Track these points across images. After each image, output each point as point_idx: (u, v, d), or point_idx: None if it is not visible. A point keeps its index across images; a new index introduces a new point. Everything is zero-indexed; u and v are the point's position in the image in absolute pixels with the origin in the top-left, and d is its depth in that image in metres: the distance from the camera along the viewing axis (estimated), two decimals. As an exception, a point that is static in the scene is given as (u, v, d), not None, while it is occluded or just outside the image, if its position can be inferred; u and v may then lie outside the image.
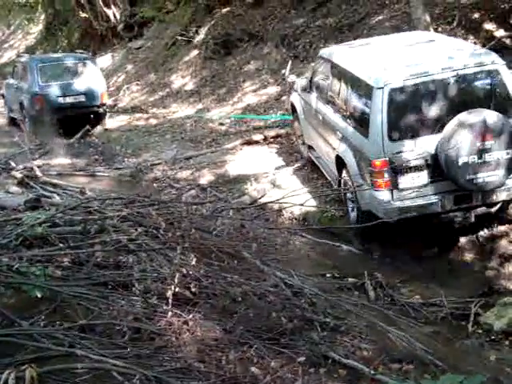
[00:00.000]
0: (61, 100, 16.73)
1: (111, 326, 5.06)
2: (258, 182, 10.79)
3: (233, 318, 5.47)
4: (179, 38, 20.94)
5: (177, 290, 5.41)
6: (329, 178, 9.58)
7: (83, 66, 17.53)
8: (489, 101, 7.61)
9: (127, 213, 6.82)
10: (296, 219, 9.28)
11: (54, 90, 16.71)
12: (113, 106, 19.80)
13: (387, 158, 7.45)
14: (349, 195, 8.56)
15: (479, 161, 7.36)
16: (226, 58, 18.58)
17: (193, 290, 5.56)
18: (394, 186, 7.54)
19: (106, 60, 24.90)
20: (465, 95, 7.71)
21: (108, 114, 17.72)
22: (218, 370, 4.52)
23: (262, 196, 9.98)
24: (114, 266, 6.32)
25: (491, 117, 7.36)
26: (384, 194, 7.56)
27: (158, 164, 12.72)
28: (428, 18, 11.44)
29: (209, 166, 11.94)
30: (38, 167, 12.41)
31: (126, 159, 13.71)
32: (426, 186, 7.58)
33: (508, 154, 7.42)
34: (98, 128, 17.23)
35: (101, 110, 17.21)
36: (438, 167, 7.45)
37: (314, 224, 8.92)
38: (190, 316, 5.17)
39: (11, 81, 18.77)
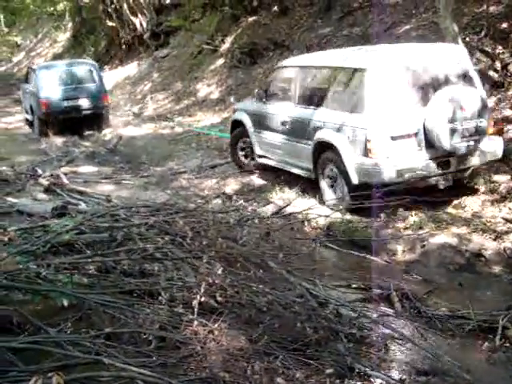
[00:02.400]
0: (65, 103, 18.30)
1: (137, 334, 5.06)
2: (282, 190, 10.78)
3: (258, 327, 5.44)
4: (205, 46, 21.07)
5: (202, 299, 5.39)
6: (299, 172, 10.63)
7: (86, 71, 19.14)
8: (459, 80, 9.23)
9: (154, 221, 6.84)
10: (321, 229, 9.23)
11: (58, 93, 18.35)
12: (138, 115, 19.99)
13: (383, 130, 8.72)
14: (327, 180, 9.80)
15: (460, 128, 8.77)
16: (252, 66, 18.64)
17: (218, 299, 5.55)
18: (390, 153, 8.73)
19: (132, 68, 25.12)
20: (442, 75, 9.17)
21: (125, 119, 19.05)
22: (243, 380, 4.49)
23: (287, 205, 9.95)
24: (139, 274, 6.35)
25: (466, 90, 8.99)
26: (382, 162, 8.69)
27: (184, 172, 12.78)
28: (456, 28, 11.36)
29: (234, 175, 11.97)
30: (65, 174, 12.52)
31: (151, 167, 13.77)
32: (416, 152, 8.86)
33: (481, 122, 8.92)
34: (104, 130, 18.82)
35: (103, 111, 18.79)
36: (426, 136, 8.80)
37: (339, 234, 8.87)
38: (216, 325, 5.16)
39: (25, 86, 20.51)
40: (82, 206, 9.89)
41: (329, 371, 4.86)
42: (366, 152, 8.79)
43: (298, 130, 10.41)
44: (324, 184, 9.91)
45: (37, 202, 10.34)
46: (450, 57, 9.44)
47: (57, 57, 32.69)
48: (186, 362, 4.74)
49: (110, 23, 26.91)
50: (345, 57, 10.12)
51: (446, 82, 9.09)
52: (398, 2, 15.70)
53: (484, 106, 9.04)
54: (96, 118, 18.80)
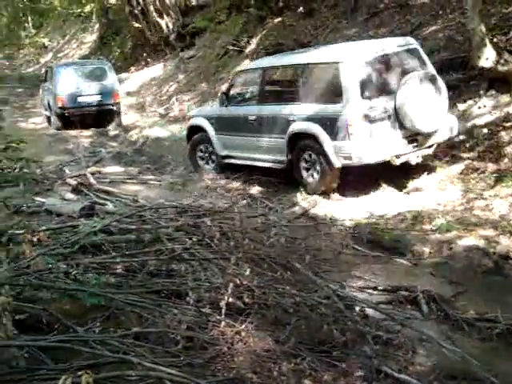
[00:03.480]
0: (79, 99, 19.74)
1: (164, 334, 5.08)
2: (308, 192, 10.77)
3: (284, 329, 5.45)
4: (230, 48, 21.08)
5: (230, 299, 5.41)
6: (271, 165, 11.33)
7: (100, 70, 20.74)
8: (417, 68, 10.26)
9: (181, 222, 6.88)
10: (347, 230, 9.21)
11: (72, 90, 19.76)
12: (164, 115, 20.11)
13: (362, 115, 9.61)
14: (304, 164, 10.58)
15: (425, 109, 9.85)
16: (277, 67, 18.60)
17: (246, 300, 5.56)
18: (367, 136, 9.68)
19: (157, 69, 25.22)
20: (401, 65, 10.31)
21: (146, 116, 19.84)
22: (270, 381, 4.50)
23: (313, 207, 9.95)
24: (166, 274, 6.39)
25: (425, 75, 10.04)
26: (362, 144, 9.65)
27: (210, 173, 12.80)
28: (483, 29, 11.25)
29: (259, 176, 11.96)
30: (92, 175, 12.61)
31: (177, 168, 13.81)
32: (390, 133, 9.88)
33: (441, 102, 10.04)
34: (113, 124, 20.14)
35: (114, 107, 20.09)
36: (397, 118, 9.81)
37: (365, 235, 8.85)
38: (243, 326, 5.17)
39: (44, 84, 21.79)
40: (109, 206, 9.96)
41: (357, 373, 4.85)
42: (347, 136, 9.71)
43: (268, 126, 11.25)
44: (302, 171, 10.66)
45: (65, 201, 10.43)
46: (407, 47, 10.51)
47: (83, 58, 32.89)
48: (213, 363, 4.76)
49: (136, 25, 27.01)
50: (319, 54, 11.27)
51: (410, 68, 10.19)
52: (425, 3, 15.57)
53: (439, 88, 10.06)
54: (108, 114, 20.20)
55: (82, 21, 39.84)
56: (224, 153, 12.46)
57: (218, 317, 5.28)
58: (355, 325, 5.66)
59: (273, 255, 6.21)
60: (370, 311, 6.06)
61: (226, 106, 12.38)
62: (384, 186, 10.12)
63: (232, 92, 12.54)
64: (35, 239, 6.55)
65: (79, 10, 39.95)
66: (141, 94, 23.74)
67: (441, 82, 10.16)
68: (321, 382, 4.59)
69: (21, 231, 7.22)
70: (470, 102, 11.53)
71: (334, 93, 9.99)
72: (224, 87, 14.20)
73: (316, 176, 10.39)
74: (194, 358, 4.69)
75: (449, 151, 10.73)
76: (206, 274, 5.98)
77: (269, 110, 11.29)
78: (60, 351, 4.73)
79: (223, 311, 5.32)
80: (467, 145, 10.75)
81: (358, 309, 5.99)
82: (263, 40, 19.86)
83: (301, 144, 10.55)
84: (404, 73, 10.03)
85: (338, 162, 9.91)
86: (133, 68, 27.54)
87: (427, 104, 9.90)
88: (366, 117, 9.64)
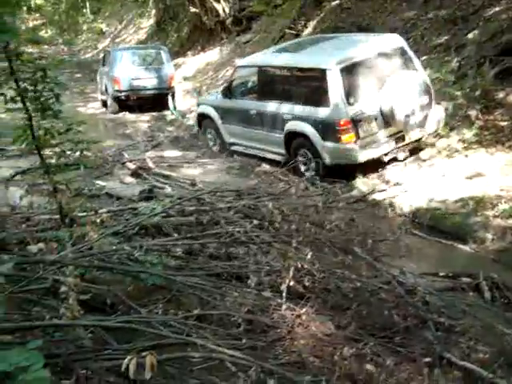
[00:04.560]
0: (135, 83, 19.99)
1: (225, 316, 5.10)
2: (366, 176, 10.68)
3: (345, 314, 5.42)
4: (287, 31, 20.92)
5: (291, 283, 5.40)
6: (274, 157, 11.97)
7: (157, 54, 20.83)
8: (403, 66, 10.88)
9: (243, 204, 6.90)
10: (406, 216, 9.11)
11: (129, 73, 19.96)
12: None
13: (349, 118, 10.19)
14: (301, 159, 11.15)
15: (409, 107, 10.37)
16: (335, 51, 18.42)
17: (306, 284, 5.54)
18: (357, 137, 10.26)
19: (214, 54, 25.24)
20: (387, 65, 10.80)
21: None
22: (332, 365, 4.48)
23: (372, 191, 9.86)
24: (226, 257, 6.41)
25: (410, 74, 10.64)
26: (351, 145, 10.25)
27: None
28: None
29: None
30: (150, 159, 12.73)
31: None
32: (377, 133, 10.47)
33: (426, 100, 10.56)
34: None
35: (169, 91, 20.17)
36: (383, 118, 10.42)
37: (426, 221, 8.73)
38: (303, 310, 5.15)
39: (101, 68, 22.12)
40: (168, 189, 10.05)
41: (421, 359, 4.79)
42: (337, 138, 10.32)
43: (267, 122, 11.90)
44: (300, 165, 11.19)
45: (124, 185, 10.56)
46: (393, 46, 11.03)
47: (141, 43, 33.15)
48: (274, 346, 4.76)
49: (192, 9, 27.05)
50: (306, 57, 11.60)
51: (394, 69, 10.72)
52: (488, -16, 15.19)
53: (426, 85, 10.69)
54: (162, 98, 20.17)
55: (138, 6, 40.04)
56: (231, 140, 13.27)
57: (279, 300, 5.27)
58: (416, 311, 5.60)
59: (333, 239, 6.16)
60: (431, 297, 5.98)
61: (230, 99, 13.07)
62: (444, 171, 9.95)
63: (234, 85, 13.20)
64: (98, 221, 6.66)
65: (136, -4, 40.26)
66: (197, 78, 23.80)
67: (425, 79, 10.85)
68: (383, 367, 4.54)
69: (83, 213, 7.35)
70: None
71: (323, 96, 10.55)
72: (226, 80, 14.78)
73: (313, 170, 10.95)
74: (255, 341, 4.69)
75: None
76: (266, 257, 5.98)
77: (267, 106, 11.91)
78: (123, 332, 4.79)
79: (284, 295, 5.32)
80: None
81: (419, 295, 5.90)
82: (320, 23, 19.68)
83: (296, 141, 11.22)
84: (389, 73, 10.59)
85: (329, 161, 10.59)
86: (189, 53, 27.63)
87: (411, 103, 10.43)
88: (352, 120, 10.24)
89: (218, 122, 13.49)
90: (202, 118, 14.25)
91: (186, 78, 23.76)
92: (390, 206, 9.13)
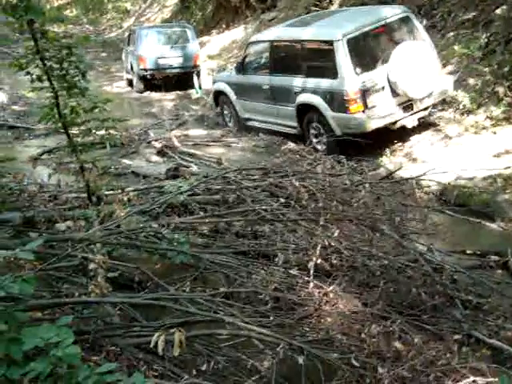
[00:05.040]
0: (160, 61, 19.91)
1: (253, 294, 5.11)
2: (393, 154, 10.61)
3: (372, 291, 5.40)
4: (313, 8, 20.72)
5: (318, 261, 5.38)
6: (287, 130, 12.32)
7: (182, 33, 20.83)
8: (410, 36, 11.08)
9: (269, 183, 6.88)
10: (434, 194, 9.03)
11: (155, 52, 19.90)
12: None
13: (357, 89, 10.45)
14: (313, 131, 11.51)
15: (416, 76, 10.59)
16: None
17: (333, 261, 5.53)
18: (365, 107, 10.52)
19: (239, 32, 25.11)
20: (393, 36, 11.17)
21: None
22: (360, 343, 4.47)
23: (398, 169, 9.79)
24: (252, 235, 6.42)
25: (417, 44, 10.79)
26: (359, 115, 10.51)
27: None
28: None
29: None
30: (176, 137, 12.75)
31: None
32: (385, 102, 10.69)
33: (431, 69, 10.74)
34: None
35: (194, 70, 20.08)
36: (390, 87, 10.65)
37: (453, 199, 8.66)
38: (331, 288, 5.15)
39: (127, 47, 22.09)
40: (194, 168, 10.07)
41: (456, 337, 4.78)
42: (345, 109, 10.56)
43: (280, 95, 12.20)
44: (312, 137, 11.49)
45: (150, 164, 10.60)
46: (400, 17, 11.17)
47: (165, 22, 33.07)
48: (301, 324, 4.77)
49: (238, -13, 26.93)
50: (314, 31, 11.71)
51: (401, 39, 10.94)
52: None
53: (429, 55, 10.81)
54: (187, 76, 20.15)
55: (163, -16, 39.99)
56: (246, 116, 13.65)
57: (306, 278, 5.27)
58: (444, 289, 5.57)
59: (360, 217, 6.12)
60: (458, 275, 5.94)
61: (243, 75, 13.39)
62: (472, 148, 9.85)
63: (247, 61, 13.43)
64: (125, 198, 6.69)
65: (160, -26, 40.12)
66: (222, 56, 23.72)
67: (430, 48, 10.96)
68: (411, 344, 4.53)
69: (110, 192, 7.39)
70: None
71: (331, 68, 10.76)
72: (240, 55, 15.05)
73: (324, 143, 11.26)
74: (283, 318, 4.70)
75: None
76: (293, 235, 5.97)
77: (278, 80, 12.20)
78: (151, 309, 4.83)
79: (311, 272, 5.31)
80: None
81: (446, 273, 5.85)
82: (346, 1, 19.46)
83: (308, 114, 11.50)
84: (396, 43, 10.82)
85: (339, 131, 10.79)
86: (214, 31, 27.52)
87: (417, 72, 10.62)
88: (360, 90, 10.48)
89: (233, 97, 13.85)
90: (218, 94, 14.59)
91: (210, 57, 23.68)
92: (417, 184, 9.04)
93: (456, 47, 12.96)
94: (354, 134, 10.31)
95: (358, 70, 10.58)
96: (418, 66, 10.62)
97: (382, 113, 10.66)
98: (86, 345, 4.10)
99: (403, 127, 10.87)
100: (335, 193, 6.61)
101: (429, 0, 15.98)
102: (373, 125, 10.53)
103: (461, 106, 11.31)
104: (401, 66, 10.51)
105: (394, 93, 10.71)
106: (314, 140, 11.48)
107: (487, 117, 10.59)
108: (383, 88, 10.68)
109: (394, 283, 5.53)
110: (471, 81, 11.72)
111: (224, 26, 27.31)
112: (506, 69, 11.13)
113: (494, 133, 10.13)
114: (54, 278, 5.31)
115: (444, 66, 12.92)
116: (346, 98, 10.53)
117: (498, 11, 12.99)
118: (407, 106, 10.85)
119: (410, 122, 10.90)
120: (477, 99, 11.12)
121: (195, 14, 31.23)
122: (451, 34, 13.76)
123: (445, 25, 14.61)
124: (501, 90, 10.85)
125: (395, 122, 10.79)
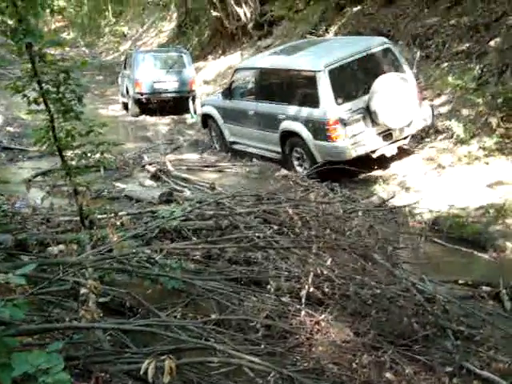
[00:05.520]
0: (156, 85, 20.05)
1: (244, 322, 5.10)
2: (386, 183, 10.64)
3: (363, 320, 5.39)
4: (308, 36, 20.91)
5: (310, 289, 5.38)
6: (270, 155, 12.66)
7: (178, 57, 20.98)
8: (390, 67, 11.36)
9: (263, 209, 6.89)
10: (426, 223, 9.05)
11: (151, 76, 20.05)
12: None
13: (337, 118, 10.78)
14: (295, 157, 11.86)
15: (396, 107, 10.85)
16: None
17: (326, 290, 5.52)
18: (345, 135, 10.83)
19: (235, 58, 25.24)
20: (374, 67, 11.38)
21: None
22: (351, 373, 4.46)
23: (391, 197, 9.82)
24: (244, 262, 6.40)
25: (398, 76, 11.01)
26: (340, 143, 10.85)
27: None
28: None
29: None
30: (170, 162, 12.77)
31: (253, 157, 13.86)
32: (365, 131, 10.98)
33: (411, 99, 11.00)
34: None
35: (190, 95, 20.27)
36: (370, 117, 10.92)
37: (446, 228, 8.67)
38: (322, 316, 5.13)
39: (123, 71, 22.19)
40: (187, 193, 10.07)
41: (441, 369, 4.76)
42: (327, 137, 10.88)
43: (265, 121, 12.50)
44: (295, 163, 11.89)
45: (144, 188, 10.60)
46: (381, 48, 11.47)
47: (162, 46, 33.23)
48: (293, 352, 4.75)
49: (214, 13, 27.06)
50: (297, 60, 12.12)
51: (382, 70, 11.23)
52: (511, -9, 15.06)
53: (409, 86, 11.05)
54: (183, 101, 20.33)
55: (160, 9, 40.25)
56: (232, 139, 13.94)
57: (298, 306, 5.25)
58: (436, 319, 5.56)
59: (353, 245, 6.13)
60: (450, 305, 5.94)
61: (230, 100, 13.67)
62: (465, 178, 9.89)
63: (233, 86, 13.75)
64: (118, 223, 6.68)
65: (158, -1, 40.47)
66: (217, 82, 23.84)
67: (410, 79, 11.25)
68: (402, 375, 4.51)
69: (103, 215, 7.38)
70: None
71: (313, 97, 11.13)
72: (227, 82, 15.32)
73: (306, 168, 11.40)
74: (274, 346, 4.68)
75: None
76: (285, 262, 5.97)
77: (263, 107, 12.52)
78: (142, 335, 4.80)
79: (303, 301, 5.30)
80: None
81: (438, 303, 5.86)
82: (342, 29, 19.62)
83: (291, 140, 11.83)
84: (376, 74, 11.05)
85: (320, 158, 11.09)
86: (210, 57, 27.67)
87: (397, 102, 10.89)
88: (341, 119, 10.80)
89: (220, 121, 14.17)
90: (206, 117, 14.88)
91: (206, 82, 23.80)
92: (409, 213, 9.07)
93: (450, 78, 13.07)
94: (335, 161, 10.72)
95: (340, 99, 10.92)
96: (398, 96, 10.90)
97: (362, 141, 10.96)
98: (76, 370, 4.07)
99: (382, 155, 11.19)
100: (328, 221, 6.63)
101: (424, 30, 16.16)
102: (353, 153, 10.81)
103: (454, 136, 11.39)
104: (381, 96, 10.79)
105: (374, 122, 11.01)
106: (297, 166, 11.84)
107: (480, 147, 10.65)
108: (364, 117, 11.01)
109: (385, 312, 5.52)
110: (465, 111, 11.79)
111: (220, 51, 27.46)
112: (500, 100, 11.21)
113: (487, 163, 10.17)
114: (44, 302, 5.28)
115: (438, 96, 13.06)
116: (327, 126, 10.87)
117: (492, 43, 13.12)
118: (387, 135, 11.15)
119: (390, 150, 11.20)
120: (470, 130, 11.18)
121: (192, 39, 31.43)
122: (445, 64, 13.88)
123: (439, 55, 14.75)
124: (494, 121, 10.91)
125: (375, 151, 11.09)
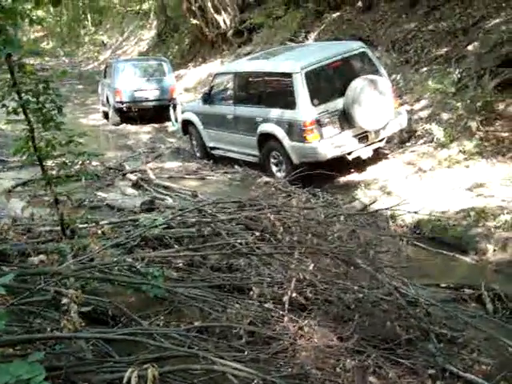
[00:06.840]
0: (137, 94, 20.08)
1: (227, 328, 5.08)
2: (368, 187, 10.68)
3: (346, 325, 5.40)
4: (288, 43, 20.98)
5: (293, 295, 5.38)
6: (249, 159, 12.82)
7: (158, 66, 21.02)
8: (366, 70, 11.51)
9: (245, 216, 6.89)
10: (408, 227, 9.10)
11: (131, 85, 20.05)
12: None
13: (313, 119, 10.93)
14: (273, 160, 12.03)
15: (371, 110, 11.01)
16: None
17: (309, 295, 5.53)
18: (321, 137, 11.00)
19: (215, 65, 25.25)
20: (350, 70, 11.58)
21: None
22: (334, 377, 4.46)
23: (373, 202, 9.86)
24: (227, 269, 6.40)
25: (373, 79, 11.14)
26: (316, 144, 10.98)
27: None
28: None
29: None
30: (152, 170, 12.74)
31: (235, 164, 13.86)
32: (340, 133, 11.18)
33: (386, 102, 11.14)
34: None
35: (170, 103, 20.18)
36: (345, 119, 11.11)
37: (427, 232, 8.72)
38: (306, 322, 5.14)
39: (102, 80, 22.29)
40: (169, 201, 10.05)
41: (425, 371, 4.77)
42: (302, 138, 11.01)
43: (243, 125, 12.66)
44: (272, 166, 12.09)
45: (125, 196, 10.56)
46: (356, 52, 11.73)
47: (142, 55, 33.22)
48: (276, 358, 4.74)
49: (193, 21, 27.10)
50: (274, 63, 12.39)
51: (357, 73, 11.41)
52: (488, -5, 15.21)
53: (384, 88, 11.17)
54: (163, 109, 20.27)
55: (140, 18, 40.23)
56: (211, 144, 14.11)
57: (281, 312, 5.26)
58: (418, 322, 5.58)
59: (335, 250, 6.14)
60: (433, 309, 5.96)
61: (209, 105, 13.80)
62: (445, 182, 9.95)
63: (213, 92, 13.96)
64: (100, 232, 6.65)
65: (137, 8, 40.43)
66: (198, 90, 23.84)
67: (386, 82, 11.39)
68: (386, 379, 4.52)
69: (84, 225, 7.34)
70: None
71: (290, 99, 11.30)
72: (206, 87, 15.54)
73: (283, 171, 11.71)
74: (257, 352, 4.67)
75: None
76: (268, 269, 5.97)
77: (241, 110, 12.69)
78: (124, 344, 4.77)
79: (286, 306, 5.30)
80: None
81: (421, 306, 5.88)
82: (321, 35, 19.72)
83: (268, 143, 11.99)
84: (352, 77, 11.21)
85: (296, 160, 11.31)
86: (190, 64, 27.69)
87: (372, 105, 11.03)
88: (317, 121, 10.99)
89: (200, 127, 14.32)
90: (187, 124, 15.00)
91: (187, 90, 23.81)
92: (391, 217, 9.11)
93: (430, 82, 13.16)
94: (311, 162, 10.95)
95: (316, 101, 11.07)
96: (373, 99, 11.06)
97: (337, 143, 11.09)
98: (58, 381, 4.03)
99: (358, 157, 11.38)
100: (310, 226, 6.64)
101: (403, 36, 16.28)
102: (328, 154, 10.99)
103: (435, 140, 11.47)
104: (356, 98, 10.95)
105: (350, 124, 11.17)
106: (274, 169, 12.03)
107: (460, 151, 10.74)
108: (340, 119, 11.18)
109: (368, 317, 5.53)
110: (444, 115, 11.89)
111: (200, 59, 27.50)
112: (479, 104, 11.32)
113: (467, 167, 10.25)
114: (26, 312, 5.23)
115: (418, 100, 13.16)
116: (303, 127, 11.05)
117: (470, 47, 13.26)
118: (362, 137, 11.32)
119: (365, 152, 11.40)
120: (450, 133, 11.27)
121: (172, 47, 31.47)
122: (424, 69, 14.00)
123: (418, 60, 14.87)
124: (473, 124, 11.01)
125: (351, 153, 11.26)
